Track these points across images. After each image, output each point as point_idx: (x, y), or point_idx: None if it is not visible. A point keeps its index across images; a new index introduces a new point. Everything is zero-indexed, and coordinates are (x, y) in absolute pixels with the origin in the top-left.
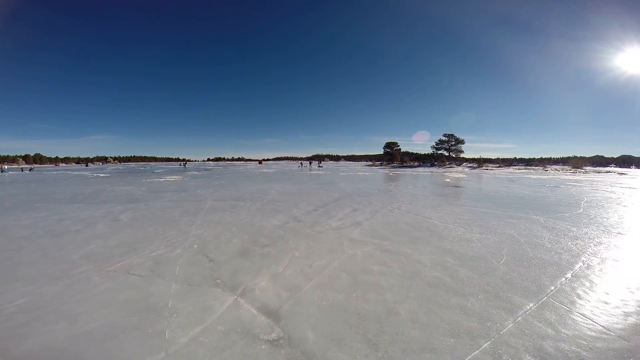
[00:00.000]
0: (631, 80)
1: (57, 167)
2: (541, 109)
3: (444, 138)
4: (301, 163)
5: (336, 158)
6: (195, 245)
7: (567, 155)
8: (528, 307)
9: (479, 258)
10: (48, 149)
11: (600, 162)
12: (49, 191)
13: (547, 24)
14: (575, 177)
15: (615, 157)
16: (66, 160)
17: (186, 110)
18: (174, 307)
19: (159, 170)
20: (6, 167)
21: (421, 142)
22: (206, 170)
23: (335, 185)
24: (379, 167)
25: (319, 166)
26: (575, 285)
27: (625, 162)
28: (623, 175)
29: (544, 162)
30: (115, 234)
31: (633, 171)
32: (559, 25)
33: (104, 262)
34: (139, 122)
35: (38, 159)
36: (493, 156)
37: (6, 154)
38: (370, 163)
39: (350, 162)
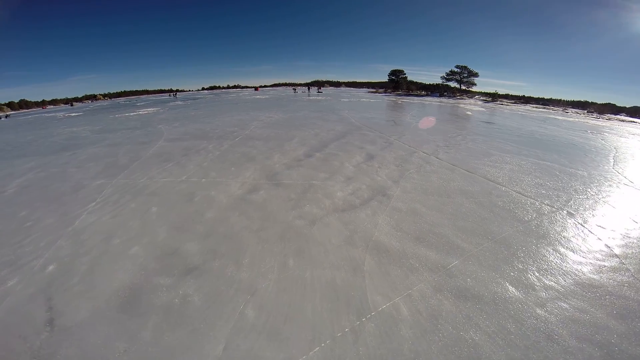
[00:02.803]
0: None
1: (43, 110)
2: (558, 50)
3: (455, 69)
4: (294, 89)
5: (336, 84)
6: (51, 267)
7: (576, 99)
8: None
9: None
10: (32, 94)
11: (611, 109)
12: None
13: None
14: (609, 124)
15: (627, 107)
16: (54, 102)
17: (179, 40)
18: None
19: (141, 103)
20: None
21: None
22: (194, 99)
23: (337, 114)
24: (383, 94)
25: (319, 92)
26: None
27: (637, 112)
28: None
29: (561, 104)
30: None
31: None
32: None
33: None
34: (130, 57)
35: (24, 104)
36: (501, 92)
37: None
38: (374, 90)
39: (352, 88)
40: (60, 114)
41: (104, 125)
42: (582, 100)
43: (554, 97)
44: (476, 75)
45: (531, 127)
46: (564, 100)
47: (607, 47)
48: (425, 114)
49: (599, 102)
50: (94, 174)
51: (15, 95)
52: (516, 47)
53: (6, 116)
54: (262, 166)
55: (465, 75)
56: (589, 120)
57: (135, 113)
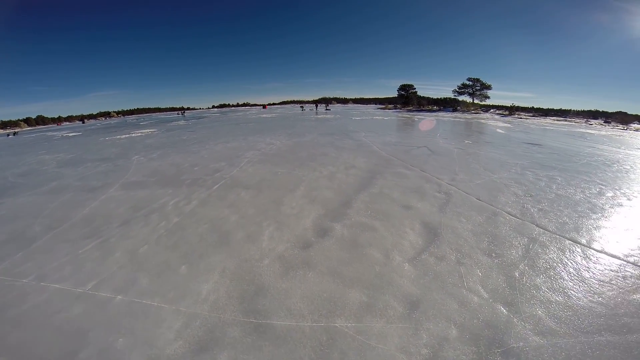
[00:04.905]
0: None
1: (58, 126)
2: (566, 58)
3: (467, 82)
4: (302, 107)
5: (344, 101)
6: None
7: (587, 109)
8: None
9: None
10: (52, 110)
11: (623, 118)
12: None
13: None
14: None
15: (639, 114)
16: (69, 118)
17: (191, 58)
18: None
19: (145, 123)
20: None
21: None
22: (199, 119)
23: (352, 137)
24: (393, 110)
25: (327, 109)
26: None
27: None
28: None
29: (579, 115)
30: None
31: None
32: None
33: None
34: (144, 75)
35: (41, 120)
36: (508, 103)
37: (8, 119)
38: (383, 106)
39: (360, 104)
40: (61, 134)
41: (81, 152)
42: (592, 109)
43: (563, 108)
44: (489, 87)
45: (584, 149)
46: (576, 111)
47: (611, 51)
48: (454, 134)
49: (609, 111)
50: None
51: (38, 109)
52: (522, 58)
53: (14, 133)
54: (238, 264)
55: (477, 87)
56: (622, 133)
57: (127, 135)
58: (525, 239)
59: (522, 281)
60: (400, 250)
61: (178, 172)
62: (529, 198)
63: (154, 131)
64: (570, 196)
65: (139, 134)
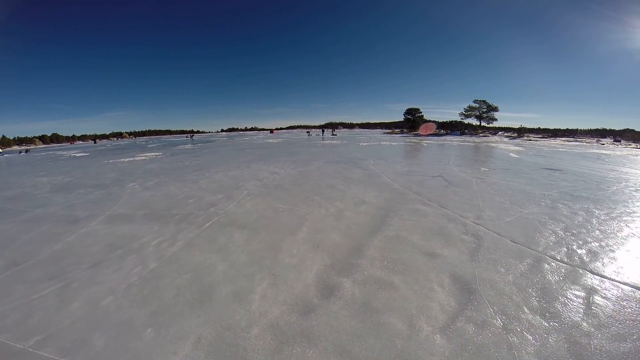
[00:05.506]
0: None
1: (71, 145)
2: (573, 77)
3: (474, 104)
4: (308, 132)
5: (350, 126)
6: None
7: (594, 128)
8: None
9: None
10: (67, 128)
11: (634, 136)
12: None
13: None
14: None
15: None
16: (83, 137)
17: (202, 85)
18: None
19: (152, 145)
20: (0, 150)
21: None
22: (206, 142)
23: (361, 166)
24: (400, 134)
25: (333, 134)
26: None
27: None
28: None
29: (587, 134)
30: None
31: None
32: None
33: None
34: (156, 99)
35: (55, 138)
36: (514, 125)
37: (24, 136)
38: (389, 131)
39: (366, 129)
40: (69, 153)
41: (80, 176)
42: (599, 128)
43: (570, 127)
44: (496, 109)
45: (608, 172)
46: (583, 130)
47: (610, 65)
48: (467, 160)
49: (617, 129)
50: None
51: (55, 127)
52: (527, 80)
53: (26, 151)
54: (219, 332)
55: (484, 110)
56: (638, 152)
57: (130, 158)
58: (582, 290)
59: (591, 348)
60: (429, 315)
61: (170, 204)
62: (572, 237)
63: (158, 155)
64: (616, 232)
65: (143, 158)
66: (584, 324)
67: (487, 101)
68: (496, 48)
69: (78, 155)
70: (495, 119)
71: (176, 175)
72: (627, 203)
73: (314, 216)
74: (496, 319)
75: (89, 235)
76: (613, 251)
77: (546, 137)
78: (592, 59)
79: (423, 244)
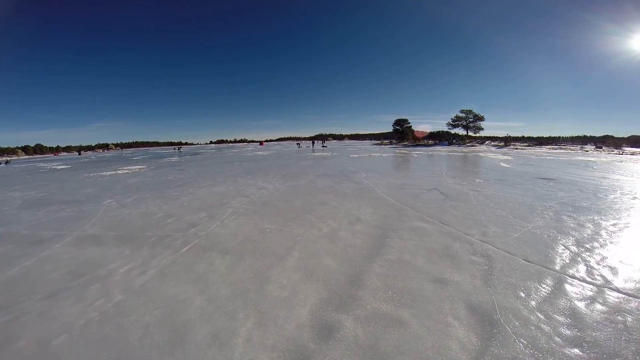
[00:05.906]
0: None
1: (55, 157)
2: (546, 89)
3: (461, 114)
4: (298, 144)
5: (340, 137)
6: None
7: (576, 135)
8: None
9: None
10: (52, 139)
11: (614, 142)
12: None
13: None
14: None
15: (625, 137)
16: (67, 149)
17: (190, 95)
18: None
19: (137, 158)
20: None
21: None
22: (193, 155)
23: (353, 180)
24: (389, 145)
25: (323, 146)
26: None
27: (637, 142)
28: None
29: (571, 141)
30: None
31: None
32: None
33: None
34: (143, 109)
35: (38, 149)
36: (500, 134)
37: (7, 146)
38: (379, 142)
39: (355, 141)
40: (50, 165)
41: (55, 191)
42: (580, 135)
43: (553, 135)
44: (482, 119)
45: (600, 180)
46: (566, 137)
47: (598, 78)
48: (459, 171)
49: (597, 135)
50: None
51: (40, 137)
52: (509, 89)
53: (6, 162)
54: None
55: (471, 119)
56: (621, 159)
57: (112, 172)
58: (615, 313)
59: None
60: (449, 358)
61: (146, 225)
62: (587, 253)
63: (143, 168)
64: (630, 245)
65: (126, 171)
66: (626, 352)
67: (474, 111)
68: (484, 52)
69: (59, 167)
70: (482, 128)
71: (158, 190)
72: (630, 212)
73: (306, 238)
74: (528, 356)
75: (49, 260)
76: (632, 265)
77: (532, 145)
78: (572, 67)
79: (429, 268)
